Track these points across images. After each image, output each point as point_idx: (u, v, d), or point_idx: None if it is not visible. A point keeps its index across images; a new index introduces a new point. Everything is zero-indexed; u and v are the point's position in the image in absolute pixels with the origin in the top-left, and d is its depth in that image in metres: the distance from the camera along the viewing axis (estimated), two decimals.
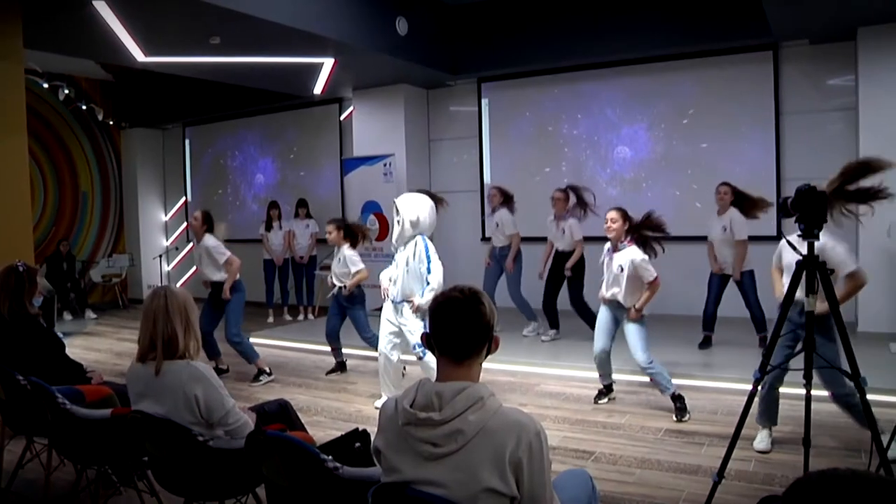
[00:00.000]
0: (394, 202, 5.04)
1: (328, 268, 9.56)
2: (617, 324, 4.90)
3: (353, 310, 6.06)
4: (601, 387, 5.19)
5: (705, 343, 6.51)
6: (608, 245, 4.90)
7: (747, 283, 6.22)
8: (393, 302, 5.03)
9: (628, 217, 4.80)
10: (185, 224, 12.34)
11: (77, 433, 3.03)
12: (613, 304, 4.86)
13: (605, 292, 4.87)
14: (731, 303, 6.48)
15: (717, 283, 6.42)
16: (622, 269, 4.71)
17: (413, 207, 4.92)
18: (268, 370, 6.20)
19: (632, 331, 4.75)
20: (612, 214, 4.78)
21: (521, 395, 5.44)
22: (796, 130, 7.56)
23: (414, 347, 4.89)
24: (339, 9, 7.06)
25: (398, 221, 4.94)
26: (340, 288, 6.01)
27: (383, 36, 7.70)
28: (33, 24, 6.04)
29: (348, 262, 5.93)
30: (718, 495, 3.17)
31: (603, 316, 4.96)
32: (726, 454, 3.16)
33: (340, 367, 6.46)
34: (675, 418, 4.70)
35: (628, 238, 4.76)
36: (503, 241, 7.31)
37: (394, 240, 5.04)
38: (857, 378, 3.08)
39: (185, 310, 2.68)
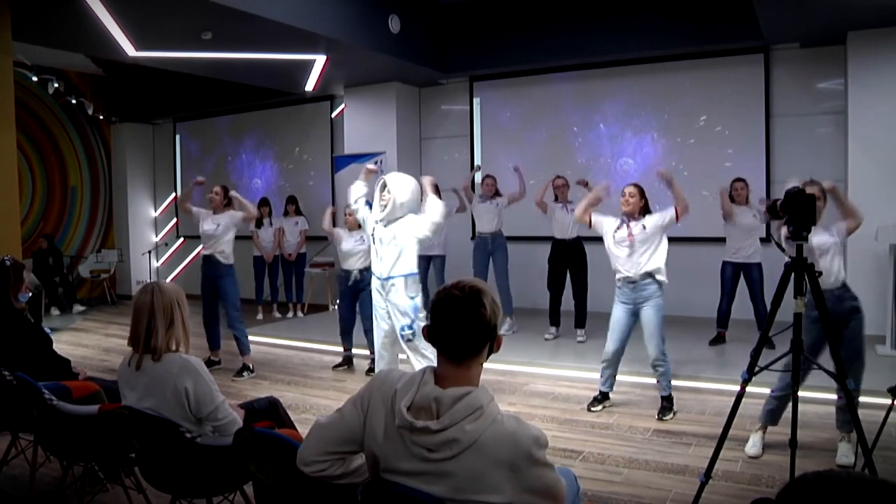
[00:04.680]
0: (383, 179, 4.90)
1: (318, 265, 9.61)
2: (635, 319, 4.72)
3: (367, 292, 6.13)
4: (597, 392, 4.98)
5: (718, 340, 6.61)
6: (616, 218, 4.75)
7: (756, 276, 6.35)
8: (380, 279, 4.88)
9: (645, 195, 4.75)
10: (174, 220, 12.28)
11: (63, 429, 3.01)
12: (630, 289, 4.67)
13: (626, 267, 4.64)
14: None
15: (731, 277, 6.49)
16: (645, 228, 4.61)
17: (403, 188, 4.84)
18: (251, 367, 6.28)
19: (651, 319, 4.63)
20: (631, 189, 4.74)
21: (509, 395, 5.44)
22: (786, 133, 7.60)
23: (402, 329, 4.71)
24: (332, 6, 7.04)
25: (386, 199, 4.82)
26: (361, 272, 6.11)
27: (376, 33, 7.68)
28: (22, 16, 5.99)
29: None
30: (706, 495, 3.19)
31: (619, 312, 4.74)
32: (714, 454, 3.18)
33: (347, 361, 6.51)
34: (657, 416, 4.73)
35: (644, 216, 4.74)
36: (495, 227, 7.34)
37: (380, 217, 4.85)
38: (844, 380, 3.11)
39: (171, 307, 2.66)
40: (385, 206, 4.80)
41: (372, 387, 1.81)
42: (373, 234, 4.93)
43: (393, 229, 4.81)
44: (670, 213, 4.65)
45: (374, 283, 4.95)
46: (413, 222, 4.78)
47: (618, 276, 4.76)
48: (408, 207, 4.85)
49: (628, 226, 4.68)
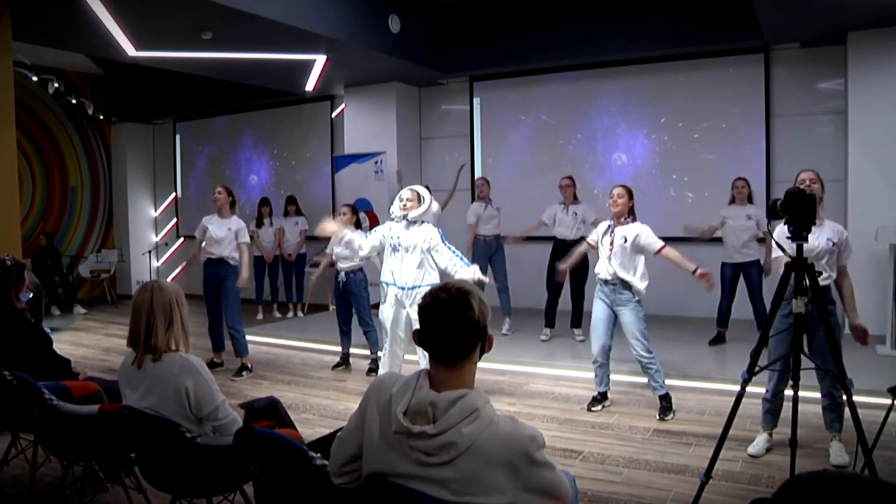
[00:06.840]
0: (412, 189, 4.94)
1: (318, 265, 9.60)
2: (614, 315, 4.77)
3: (357, 296, 6.21)
4: (596, 393, 4.98)
5: (718, 339, 6.62)
6: (607, 222, 4.85)
7: (755, 276, 6.35)
8: (402, 289, 4.90)
9: (632, 196, 4.80)
10: (174, 220, 12.28)
11: (64, 429, 3.01)
12: (609, 290, 4.73)
13: (605, 271, 4.72)
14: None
15: (731, 277, 6.49)
16: (626, 241, 4.66)
17: (430, 197, 4.95)
18: (250, 366, 6.31)
19: (629, 322, 4.67)
20: (619, 190, 4.78)
21: (509, 395, 5.44)
22: (786, 133, 7.60)
23: None
24: (332, 5, 7.04)
25: (412, 204, 4.85)
26: (347, 274, 6.16)
27: (376, 33, 7.68)
28: (22, 16, 5.99)
29: (351, 243, 6.07)
30: (706, 495, 3.19)
31: (599, 310, 4.78)
32: (714, 454, 3.17)
33: (345, 360, 6.50)
34: (658, 416, 4.73)
35: (631, 217, 4.77)
36: (494, 230, 7.38)
37: (410, 216, 4.84)
38: (844, 380, 3.11)
39: (170, 305, 2.65)
40: (410, 208, 4.84)
41: (369, 392, 1.82)
42: (393, 243, 4.92)
43: (415, 235, 4.84)
44: (656, 247, 4.67)
45: (391, 293, 4.95)
46: (432, 235, 4.84)
47: (597, 274, 4.83)
48: (431, 217, 4.92)
49: (612, 233, 4.74)
